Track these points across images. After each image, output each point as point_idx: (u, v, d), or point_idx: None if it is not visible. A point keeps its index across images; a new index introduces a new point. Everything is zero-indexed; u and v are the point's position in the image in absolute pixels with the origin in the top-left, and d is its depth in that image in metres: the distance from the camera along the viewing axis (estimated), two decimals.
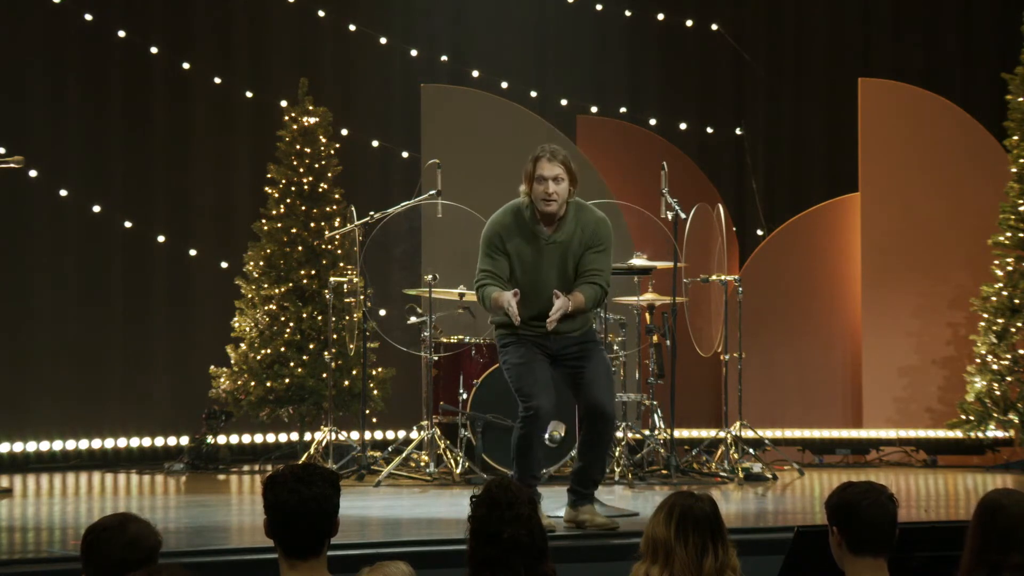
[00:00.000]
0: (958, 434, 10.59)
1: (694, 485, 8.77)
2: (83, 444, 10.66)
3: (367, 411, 9.73)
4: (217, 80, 11.25)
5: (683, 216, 8.77)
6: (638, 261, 9.30)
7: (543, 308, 6.34)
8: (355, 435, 9.59)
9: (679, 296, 9.23)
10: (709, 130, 12.32)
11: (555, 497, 6.70)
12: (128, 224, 10.93)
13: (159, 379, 11.02)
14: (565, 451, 8.73)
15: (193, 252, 11.12)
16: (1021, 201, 10.48)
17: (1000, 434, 10.54)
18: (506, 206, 6.54)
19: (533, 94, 11.88)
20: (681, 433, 10.05)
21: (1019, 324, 10.33)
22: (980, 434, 10.51)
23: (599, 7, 12.16)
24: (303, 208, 10.63)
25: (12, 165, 8.49)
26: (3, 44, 10.63)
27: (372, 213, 9.39)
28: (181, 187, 11.20)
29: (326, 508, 3.74)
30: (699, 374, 10.92)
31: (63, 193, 10.69)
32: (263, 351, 10.41)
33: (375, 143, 11.67)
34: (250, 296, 10.56)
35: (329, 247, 10.63)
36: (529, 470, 6.38)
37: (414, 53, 11.77)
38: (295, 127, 10.67)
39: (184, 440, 10.70)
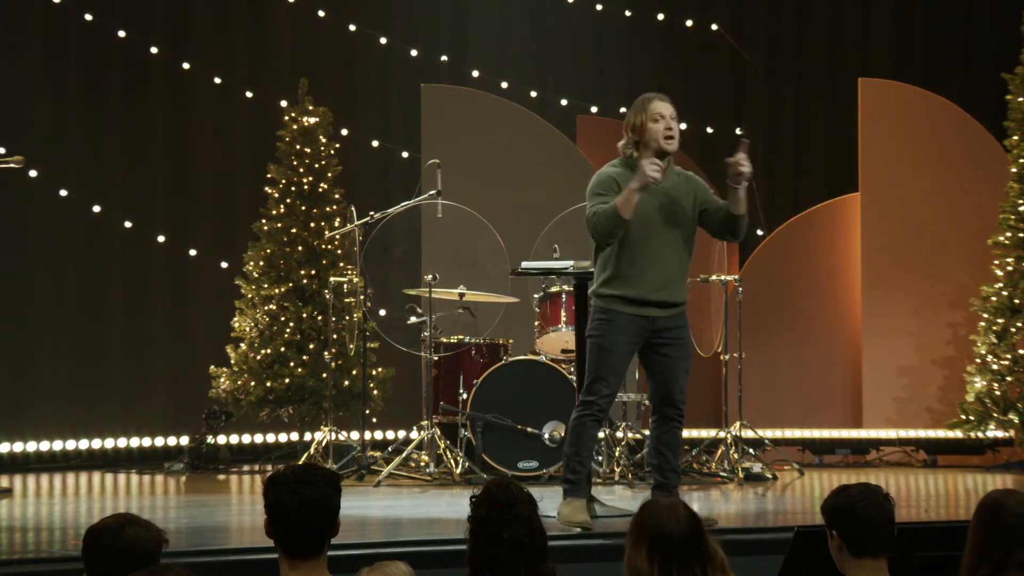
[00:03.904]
0: (958, 434, 10.58)
1: (694, 485, 8.77)
2: (83, 444, 10.67)
3: (367, 411, 9.73)
4: (217, 80, 11.25)
5: None
6: None
7: (654, 259, 6.30)
8: (355, 435, 9.59)
9: None
10: (709, 130, 12.32)
11: (555, 497, 6.69)
12: (128, 224, 10.93)
13: (159, 379, 11.02)
14: None
15: (193, 252, 11.12)
16: (1021, 201, 10.48)
17: (1000, 434, 10.54)
18: (610, 162, 6.42)
19: (533, 94, 11.88)
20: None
21: (1019, 324, 10.32)
22: (980, 434, 10.50)
23: (599, 7, 12.16)
24: (303, 208, 10.64)
25: (12, 165, 8.49)
26: (3, 44, 10.63)
27: (372, 213, 9.39)
28: (181, 187, 11.21)
29: (327, 508, 3.74)
30: (699, 374, 10.91)
31: (63, 193, 10.70)
32: (263, 351, 10.42)
33: (375, 143, 11.68)
34: (250, 296, 10.57)
35: (329, 247, 10.63)
36: (578, 454, 6.39)
37: (414, 53, 11.77)
38: (295, 127, 10.67)
39: (184, 440, 10.70)
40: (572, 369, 8.66)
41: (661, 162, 6.20)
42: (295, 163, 10.66)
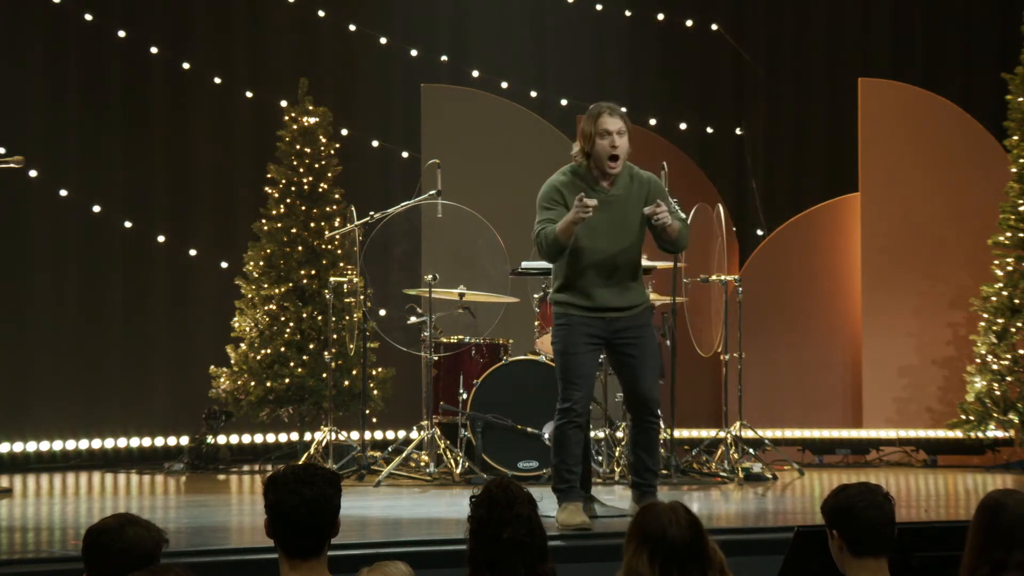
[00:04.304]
0: (958, 434, 10.58)
1: (695, 485, 8.77)
2: (83, 444, 10.67)
3: (367, 411, 9.73)
4: (217, 80, 11.25)
5: (683, 216, 8.74)
6: None
7: (601, 268, 6.36)
8: (355, 435, 9.59)
9: (679, 296, 9.23)
10: (709, 130, 12.31)
11: (555, 497, 6.70)
12: (128, 224, 10.93)
13: (159, 379, 11.02)
14: None
15: (193, 252, 11.12)
16: (1021, 201, 10.47)
17: (1000, 434, 10.54)
18: (561, 169, 6.53)
19: (533, 94, 11.87)
20: (681, 433, 10.05)
21: (1019, 324, 10.32)
22: (980, 434, 10.50)
23: (599, 7, 12.15)
24: (303, 208, 10.64)
25: (12, 165, 8.49)
26: (3, 44, 10.63)
27: (372, 213, 9.39)
28: (181, 187, 11.21)
29: (327, 508, 3.74)
30: (699, 374, 10.92)
31: (63, 193, 10.69)
32: (263, 351, 10.42)
33: (375, 143, 11.67)
34: (250, 296, 10.57)
35: (329, 247, 10.63)
36: (564, 462, 6.41)
37: (414, 53, 11.77)
38: (295, 127, 10.67)
39: (184, 440, 10.70)
40: None
41: (593, 200, 6.23)
42: (295, 163, 10.66)
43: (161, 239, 11.04)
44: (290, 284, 10.54)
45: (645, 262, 9.22)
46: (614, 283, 6.40)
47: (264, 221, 10.65)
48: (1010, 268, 10.48)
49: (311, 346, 10.46)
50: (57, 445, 10.57)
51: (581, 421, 6.46)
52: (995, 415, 10.34)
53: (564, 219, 6.25)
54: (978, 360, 10.51)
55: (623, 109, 6.60)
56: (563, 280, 6.45)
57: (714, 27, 12.31)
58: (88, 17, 10.86)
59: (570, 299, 6.41)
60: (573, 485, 6.42)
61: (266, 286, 10.53)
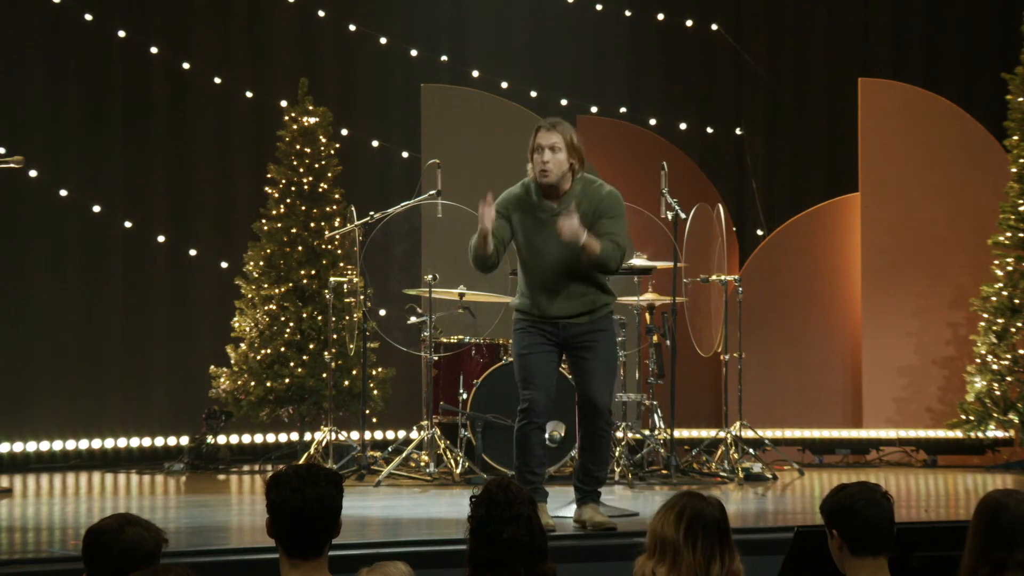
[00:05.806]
0: (958, 434, 10.59)
1: (695, 485, 8.76)
2: (83, 444, 10.67)
3: (367, 411, 9.73)
4: (217, 80, 11.25)
5: (683, 216, 8.75)
6: (638, 261, 9.28)
7: (548, 283, 6.37)
8: (355, 435, 9.59)
9: (679, 296, 9.23)
10: (709, 130, 12.32)
11: (555, 497, 6.71)
12: (128, 224, 10.93)
13: (159, 379, 11.02)
14: (565, 451, 8.75)
15: (193, 252, 11.12)
16: (1021, 201, 10.48)
17: (1000, 434, 10.54)
18: (522, 180, 6.58)
19: (533, 94, 11.87)
20: (681, 433, 10.05)
21: (1019, 324, 10.33)
22: (980, 434, 10.51)
23: (599, 7, 12.16)
24: (303, 208, 10.64)
25: (12, 165, 8.50)
26: (3, 44, 10.63)
27: (372, 213, 9.39)
28: (181, 187, 11.20)
29: (329, 508, 3.74)
30: (699, 374, 10.92)
31: (63, 193, 10.69)
32: (263, 351, 10.42)
33: (375, 143, 11.67)
34: (250, 296, 10.57)
35: (329, 247, 10.63)
36: (526, 464, 6.37)
37: (414, 53, 11.77)
38: (295, 127, 10.67)
39: (184, 440, 10.70)
40: None
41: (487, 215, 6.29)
42: (295, 163, 10.66)
43: (161, 239, 11.04)
44: (290, 284, 10.54)
45: (645, 262, 9.31)
46: (563, 296, 6.40)
47: (264, 221, 10.65)
48: (1010, 268, 10.48)
49: (311, 346, 10.46)
50: (57, 445, 10.57)
51: (541, 422, 6.43)
52: (995, 415, 10.34)
53: (479, 223, 6.30)
54: (978, 360, 10.51)
55: (565, 125, 6.59)
56: (519, 291, 6.54)
57: (714, 27, 12.32)
58: (88, 17, 10.86)
59: (524, 308, 6.47)
60: (537, 487, 6.38)
61: (266, 286, 10.53)
